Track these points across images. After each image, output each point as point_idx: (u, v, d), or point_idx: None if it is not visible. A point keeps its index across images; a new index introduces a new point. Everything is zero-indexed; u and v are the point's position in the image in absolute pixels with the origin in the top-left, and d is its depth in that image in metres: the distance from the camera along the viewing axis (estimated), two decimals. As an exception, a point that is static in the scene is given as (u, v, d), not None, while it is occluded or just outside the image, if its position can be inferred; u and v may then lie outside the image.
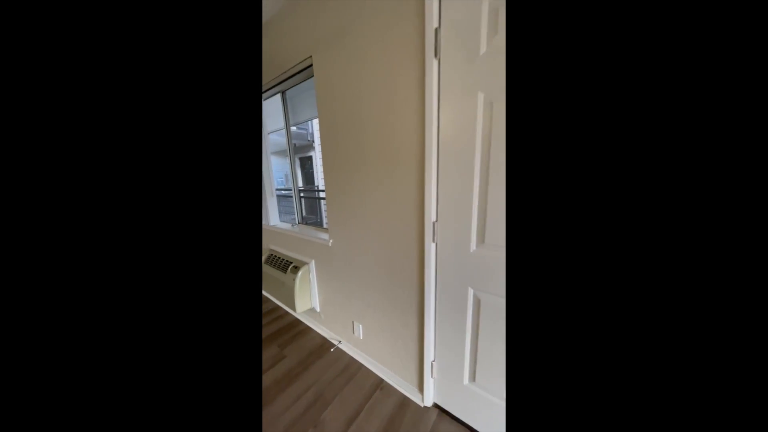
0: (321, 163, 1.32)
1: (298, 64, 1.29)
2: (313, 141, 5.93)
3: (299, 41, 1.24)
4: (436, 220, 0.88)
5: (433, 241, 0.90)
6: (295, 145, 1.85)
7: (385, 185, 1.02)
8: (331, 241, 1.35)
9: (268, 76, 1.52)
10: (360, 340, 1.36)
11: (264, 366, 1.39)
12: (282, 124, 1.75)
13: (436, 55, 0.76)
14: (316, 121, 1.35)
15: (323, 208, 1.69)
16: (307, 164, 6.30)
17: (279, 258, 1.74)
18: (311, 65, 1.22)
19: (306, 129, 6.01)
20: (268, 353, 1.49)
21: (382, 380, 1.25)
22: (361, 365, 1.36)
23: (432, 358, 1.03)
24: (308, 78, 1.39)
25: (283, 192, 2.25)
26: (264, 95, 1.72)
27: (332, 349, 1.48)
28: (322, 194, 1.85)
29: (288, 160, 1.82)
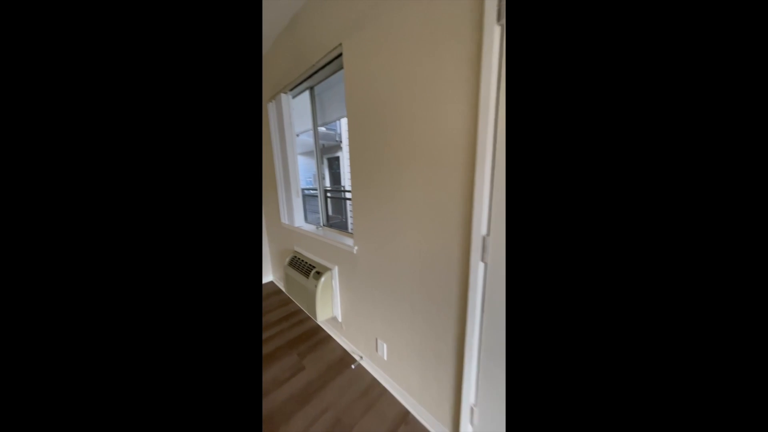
0: (348, 164, 1.20)
1: (327, 54, 1.18)
2: (341, 141, 5.97)
3: (328, 30, 1.13)
4: (488, 235, 0.70)
5: (483, 260, 0.71)
6: (323, 145, 1.78)
7: (422, 189, 0.86)
8: (356, 248, 1.23)
9: (296, 72, 1.45)
10: (384, 360, 1.22)
11: (282, 377, 1.32)
12: (310, 125, 1.70)
13: (499, 19, 0.58)
14: (344, 121, 1.24)
15: (349, 208, 1.58)
16: (334, 164, 6.39)
17: (302, 261, 1.68)
18: (341, 54, 1.11)
19: (334, 129, 6.07)
20: (287, 362, 1.42)
21: (408, 413, 1.09)
22: (383, 390, 1.21)
23: (473, 402, 0.84)
24: (338, 70, 1.29)
25: (310, 192, 2.25)
26: (293, 92, 1.67)
27: (353, 365, 1.36)
28: (348, 194, 1.76)
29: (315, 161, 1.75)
